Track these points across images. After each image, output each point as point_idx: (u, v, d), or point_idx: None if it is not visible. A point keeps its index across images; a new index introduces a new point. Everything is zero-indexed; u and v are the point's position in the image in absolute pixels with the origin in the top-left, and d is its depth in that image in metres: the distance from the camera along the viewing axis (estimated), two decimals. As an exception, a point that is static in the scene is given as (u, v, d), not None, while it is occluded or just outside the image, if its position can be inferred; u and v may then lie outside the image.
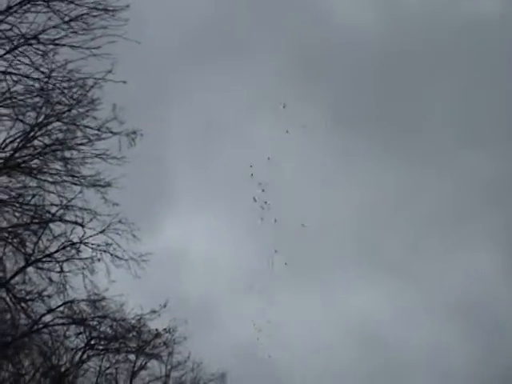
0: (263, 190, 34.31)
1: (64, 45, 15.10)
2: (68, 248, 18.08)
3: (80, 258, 18.08)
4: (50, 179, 16.82)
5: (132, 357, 25.62)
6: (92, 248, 17.98)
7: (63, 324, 21.16)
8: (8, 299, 19.15)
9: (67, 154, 16.60)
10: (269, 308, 45.24)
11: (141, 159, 17.20)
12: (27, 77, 15.59)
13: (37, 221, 17.46)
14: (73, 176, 16.68)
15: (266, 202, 37.21)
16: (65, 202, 17.03)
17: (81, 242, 17.98)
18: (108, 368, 25.62)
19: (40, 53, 15.26)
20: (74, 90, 15.68)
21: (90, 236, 17.92)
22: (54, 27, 15.06)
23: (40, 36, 15.10)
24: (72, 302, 19.77)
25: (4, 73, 15.61)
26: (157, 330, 24.58)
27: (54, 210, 17.28)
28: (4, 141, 16.65)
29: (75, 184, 16.81)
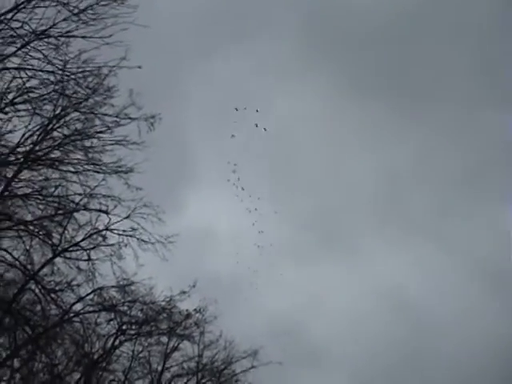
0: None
1: (76, 36, 16.74)
2: (94, 236, 20.15)
3: (107, 245, 20.13)
4: (72, 169, 18.77)
5: (164, 339, 28.14)
6: (118, 234, 20.04)
7: (94, 311, 23.36)
8: (37, 291, 21.43)
9: (87, 143, 18.48)
10: (299, 281, 47.81)
11: (160, 142, 18.89)
12: (41, 71, 17.32)
13: (61, 212, 19.44)
14: (94, 164, 18.58)
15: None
16: (88, 190, 19.02)
17: (107, 229, 20.01)
18: (141, 352, 28.18)
19: (52, 46, 16.91)
20: (90, 79, 17.43)
21: (116, 222, 19.98)
22: (64, 20, 16.68)
23: (51, 30, 16.70)
24: (101, 288, 21.93)
25: (18, 69, 17.37)
26: (187, 310, 26.82)
27: (77, 199, 19.28)
28: (23, 135, 18.54)
29: (97, 172, 18.73)
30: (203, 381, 32.37)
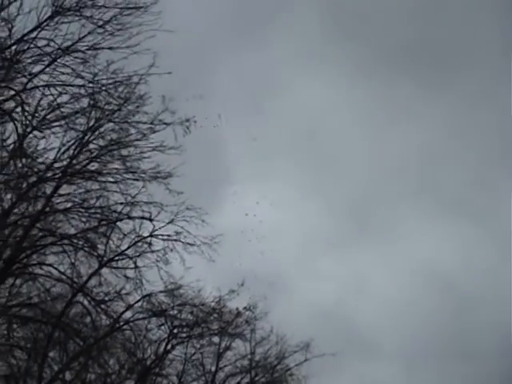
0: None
1: (103, 48, 18.09)
2: (139, 243, 21.69)
3: (152, 251, 21.65)
4: (111, 179, 20.28)
5: (216, 339, 29.78)
6: (163, 239, 21.54)
7: (144, 318, 25.02)
8: (86, 303, 23.20)
9: (124, 152, 19.92)
10: (341, 269, 49.39)
11: (195, 143, 20.27)
12: (71, 85, 18.80)
13: (105, 222, 21.02)
14: (133, 172, 20.06)
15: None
16: (129, 199, 20.49)
17: (151, 236, 21.54)
18: (193, 354, 29.90)
19: (80, 60, 18.35)
20: (120, 89, 18.80)
21: (160, 228, 21.44)
22: (89, 33, 18.06)
23: (77, 44, 18.14)
24: (150, 295, 23.54)
25: (47, 86, 18.86)
26: (237, 309, 28.22)
27: (120, 208, 20.81)
28: (59, 150, 20.07)
29: (137, 180, 20.22)
30: (257, 378, 33.98)
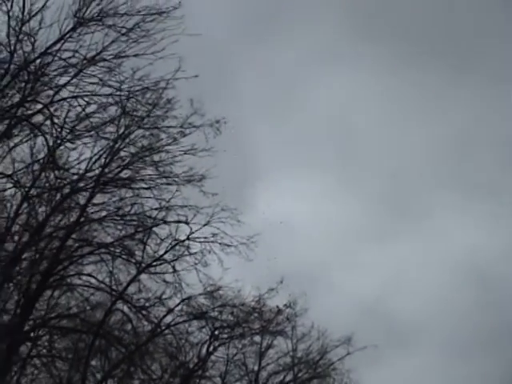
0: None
1: (128, 56, 18.75)
2: (177, 247, 22.42)
3: (190, 254, 22.39)
4: (145, 185, 21.04)
5: (257, 338, 30.44)
6: (200, 242, 22.27)
7: (184, 321, 25.78)
8: (127, 310, 24.05)
9: (156, 157, 20.66)
10: (378, 261, 49.99)
11: (225, 144, 20.91)
12: (98, 95, 19.52)
13: (141, 228, 21.81)
14: (166, 177, 20.80)
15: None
16: (164, 203, 21.24)
17: (188, 239, 22.27)
18: (235, 354, 30.64)
19: (106, 69, 19.04)
20: (148, 95, 19.47)
21: (196, 231, 22.17)
22: (113, 42, 18.74)
23: (102, 54, 18.82)
24: (189, 298, 24.29)
25: (74, 97, 19.61)
26: (277, 306, 28.74)
27: (155, 214, 21.57)
28: (90, 160, 20.85)
29: (170, 184, 20.98)
30: (300, 375, 34.65)
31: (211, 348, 28.72)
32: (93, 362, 28.01)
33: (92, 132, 20.15)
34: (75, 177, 21.03)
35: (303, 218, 43.88)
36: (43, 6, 18.78)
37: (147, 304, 23.38)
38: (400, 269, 51.35)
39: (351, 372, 34.10)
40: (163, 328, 25.18)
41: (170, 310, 24.53)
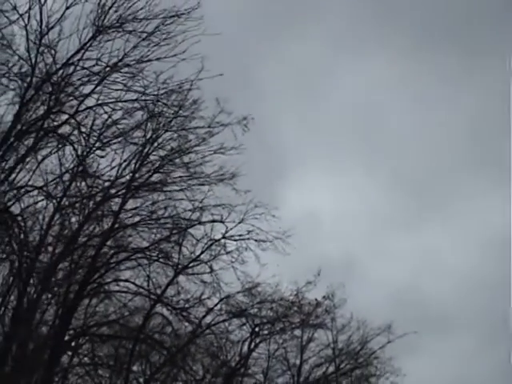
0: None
1: (150, 60, 19.15)
2: (213, 247, 22.95)
3: (227, 253, 22.89)
4: (177, 188, 21.56)
5: (298, 332, 30.98)
6: (235, 240, 22.77)
7: (224, 320, 26.33)
8: (166, 312, 24.61)
9: (186, 158, 21.16)
10: (414, 245, 50.35)
11: (254, 141, 21.37)
12: (123, 101, 19.99)
13: (176, 231, 22.35)
14: (198, 178, 21.32)
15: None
16: (197, 204, 21.76)
17: (224, 238, 22.80)
18: (277, 350, 31.23)
19: (129, 75, 19.48)
20: (173, 97, 19.91)
21: (231, 229, 22.73)
22: (134, 47, 19.16)
23: (125, 60, 19.27)
24: (228, 296, 24.83)
25: (100, 105, 20.09)
26: (316, 299, 29.43)
27: (189, 215, 22.12)
28: (120, 166, 21.40)
29: (202, 185, 21.49)
30: (341, 366, 35.10)
31: (252, 345, 29.34)
32: (134, 368, 28.72)
33: (120, 138, 20.56)
34: (106, 184, 21.49)
35: (332, 209, 44.57)
36: (61, 17, 19.13)
37: (187, 305, 23.84)
38: (432, 252, 51.74)
39: (393, 360, 34.44)
40: (204, 328, 25.68)
41: (210, 310, 25.05)
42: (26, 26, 19.21)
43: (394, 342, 34.12)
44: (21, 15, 19.09)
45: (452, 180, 55.18)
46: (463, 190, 55.18)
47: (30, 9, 19.02)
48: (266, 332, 29.40)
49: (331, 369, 34.65)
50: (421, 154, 54.14)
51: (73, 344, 25.10)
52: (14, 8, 19.02)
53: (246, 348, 29.39)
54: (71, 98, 20.36)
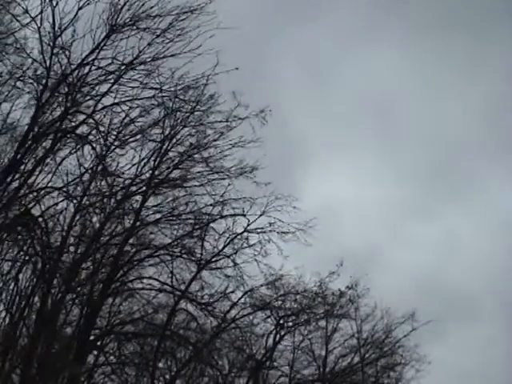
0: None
1: (166, 57, 19.41)
2: (235, 240, 23.29)
3: (249, 246, 23.23)
4: (197, 183, 21.90)
5: (322, 323, 31.26)
6: (257, 233, 23.11)
7: (249, 314, 26.69)
8: (191, 308, 25.00)
9: (205, 153, 21.47)
10: (434, 231, 50.48)
11: (272, 133, 21.63)
12: (140, 98, 20.27)
13: (198, 226, 22.71)
14: (218, 172, 21.62)
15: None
16: (218, 198, 22.08)
17: (245, 231, 23.14)
18: (302, 341, 31.58)
19: (144, 73, 19.76)
20: (190, 93, 20.20)
21: (253, 222, 23.07)
22: (149, 45, 19.43)
23: (140, 57, 19.55)
24: (252, 290, 25.17)
25: (117, 103, 20.38)
26: (339, 289, 29.61)
27: (210, 210, 22.47)
28: (139, 163, 21.74)
29: (222, 179, 21.80)
30: (367, 355, 35.36)
31: (277, 337, 29.68)
32: (160, 364, 29.11)
33: (138, 136, 20.85)
34: (127, 182, 21.81)
35: (352, 198, 44.90)
36: (74, 18, 19.38)
37: (211, 300, 24.20)
38: (453, 237, 51.96)
39: (418, 347, 34.61)
40: (228, 323, 25.97)
41: (234, 304, 25.38)
42: (38, 28, 19.45)
43: (419, 330, 34.29)
44: (33, 18, 19.36)
45: (473, 163, 55.32)
46: (485, 173, 55.24)
47: (42, 11, 19.30)
48: (290, 324, 29.75)
49: (356, 359, 34.81)
50: (438, 140, 54.26)
51: (98, 343, 25.45)
52: (26, 11, 19.30)
53: (271, 341, 29.74)
54: (88, 97, 20.67)
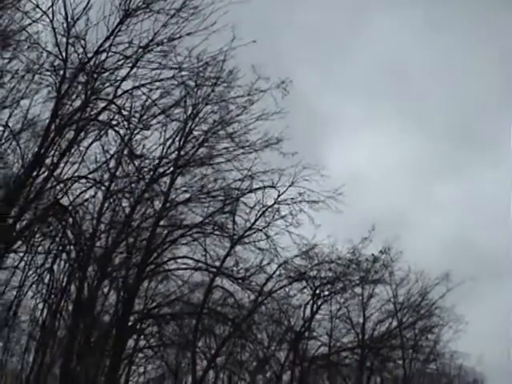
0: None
1: (181, 37, 19.75)
2: (266, 213, 23.83)
3: (281, 217, 23.75)
4: (224, 159, 22.41)
5: (358, 289, 31.92)
6: (288, 204, 23.63)
7: (285, 286, 27.29)
8: (226, 284, 25.62)
9: (229, 129, 21.94)
10: (462, 192, 50.66)
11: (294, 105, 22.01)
12: (160, 80, 20.69)
13: (228, 202, 23.25)
14: (243, 147, 22.11)
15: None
16: (246, 173, 22.60)
17: (276, 203, 23.68)
18: (339, 309, 32.23)
19: (162, 54, 20.15)
20: (209, 70, 20.59)
21: (283, 193, 23.61)
22: (164, 26, 19.80)
23: (156, 39, 19.94)
24: (286, 262, 25.70)
25: (137, 87, 20.84)
26: (373, 255, 30.23)
27: (239, 185, 22.98)
28: (164, 145, 22.28)
29: (249, 153, 22.27)
30: (404, 319, 35.99)
31: (315, 307, 30.33)
32: (200, 343, 29.90)
33: (161, 117, 21.27)
34: (153, 164, 22.31)
35: (377, 165, 45.31)
36: (86, 7, 19.70)
37: (247, 274, 24.70)
38: (482, 200, 52.24)
39: (454, 308, 35.31)
40: (266, 296, 26.47)
41: (270, 277, 25.92)
42: (51, 21, 19.65)
43: (454, 291, 34.98)
44: (44, 12, 19.71)
45: (495, 122, 55.24)
46: (507, 132, 55.04)
47: (52, 4, 19.66)
48: (326, 293, 30.33)
49: (394, 323, 35.58)
50: (458, 101, 54.17)
51: (137, 327, 26.14)
52: (37, 6, 19.69)
53: (308, 311, 30.36)
54: (107, 84, 21.05)
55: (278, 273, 26.18)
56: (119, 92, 21.08)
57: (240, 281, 24.61)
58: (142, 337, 28.01)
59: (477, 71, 53.01)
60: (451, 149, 54.22)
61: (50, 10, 19.61)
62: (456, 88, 54.70)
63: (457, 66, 53.07)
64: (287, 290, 28.06)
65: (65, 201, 21.68)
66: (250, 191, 23.35)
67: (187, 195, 23.26)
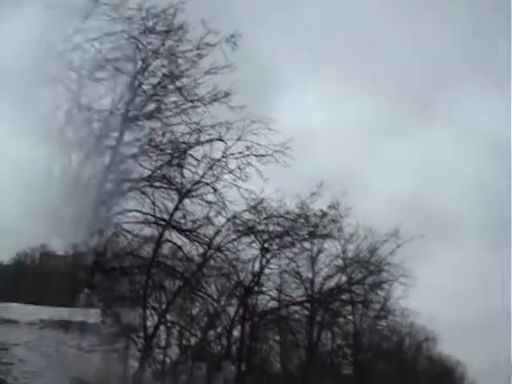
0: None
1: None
2: (214, 167, 24.41)
3: (229, 172, 24.36)
4: (170, 113, 22.88)
5: (307, 244, 32.55)
6: (236, 158, 24.21)
7: (234, 240, 27.91)
8: (176, 238, 26.15)
9: (178, 83, 22.42)
10: (413, 153, 52.05)
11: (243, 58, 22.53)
12: (109, 34, 21.03)
13: (176, 155, 23.76)
14: (192, 101, 22.60)
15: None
16: (194, 126, 23.13)
17: (224, 156, 24.28)
18: (288, 264, 32.86)
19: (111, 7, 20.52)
20: (159, 24, 21.04)
21: (230, 147, 24.15)
22: None
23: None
24: (234, 216, 26.42)
25: (88, 40, 21.17)
26: (321, 210, 30.82)
27: (187, 138, 23.50)
28: (113, 100, 22.63)
29: (197, 107, 22.79)
30: (353, 275, 36.96)
31: (263, 262, 31.00)
32: (150, 300, 30.29)
33: (111, 71, 21.70)
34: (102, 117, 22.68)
35: (327, 122, 46.19)
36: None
37: (195, 226, 25.35)
38: (432, 161, 53.76)
39: (403, 263, 36.18)
40: (214, 250, 27.05)
41: (218, 231, 26.60)
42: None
43: (404, 248, 35.74)
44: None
45: (450, 86, 56.65)
46: (462, 96, 56.69)
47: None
48: (275, 247, 30.84)
49: (343, 279, 36.33)
50: (415, 62, 55.24)
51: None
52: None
53: (257, 266, 30.98)
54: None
55: (226, 227, 26.76)
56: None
57: (188, 233, 25.18)
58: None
59: (439, 36, 53.88)
60: (405, 113, 55.31)
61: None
62: (414, 50, 55.57)
63: (418, 29, 53.75)
64: (236, 244, 28.47)
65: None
66: (198, 144, 23.78)
67: (135, 150, 23.64)
